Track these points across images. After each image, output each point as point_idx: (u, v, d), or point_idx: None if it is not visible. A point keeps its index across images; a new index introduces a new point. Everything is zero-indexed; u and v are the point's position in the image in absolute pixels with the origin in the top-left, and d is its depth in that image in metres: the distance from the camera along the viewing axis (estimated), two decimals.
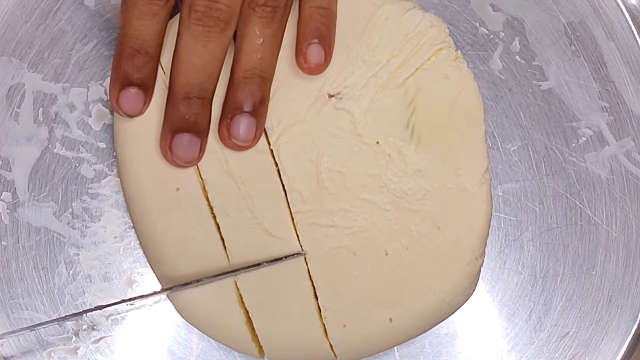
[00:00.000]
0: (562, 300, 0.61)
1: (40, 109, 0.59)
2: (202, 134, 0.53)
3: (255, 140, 0.53)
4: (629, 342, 0.61)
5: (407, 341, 0.57)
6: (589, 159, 0.62)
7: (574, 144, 0.62)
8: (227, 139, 0.53)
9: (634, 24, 0.62)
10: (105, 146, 0.59)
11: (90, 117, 0.60)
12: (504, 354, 0.60)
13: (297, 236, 0.55)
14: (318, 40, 0.53)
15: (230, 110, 0.53)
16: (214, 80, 0.53)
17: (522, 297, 0.61)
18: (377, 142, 0.55)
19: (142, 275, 0.59)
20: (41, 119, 0.59)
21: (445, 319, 0.57)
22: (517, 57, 0.62)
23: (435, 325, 0.57)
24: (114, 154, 0.58)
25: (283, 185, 0.55)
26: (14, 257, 0.58)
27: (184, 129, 0.53)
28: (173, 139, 0.53)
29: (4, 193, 0.59)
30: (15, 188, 0.59)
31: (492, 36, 0.62)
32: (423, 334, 0.58)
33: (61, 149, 0.59)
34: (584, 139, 0.62)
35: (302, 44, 0.54)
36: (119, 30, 0.53)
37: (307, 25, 0.54)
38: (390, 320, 0.55)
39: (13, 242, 0.59)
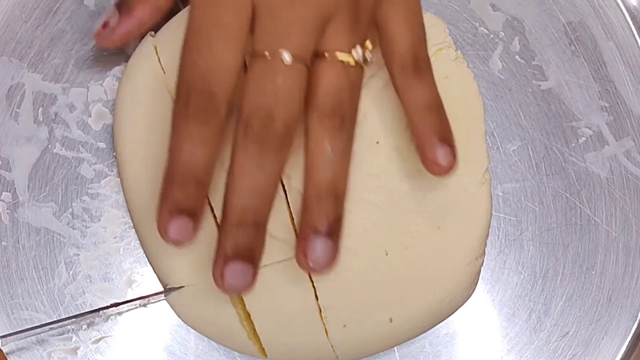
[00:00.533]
0: (562, 300, 0.61)
1: (40, 109, 0.59)
2: (256, 260, 0.49)
3: (333, 263, 0.50)
4: (629, 342, 0.61)
5: (407, 341, 0.57)
6: (589, 158, 0.62)
7: (573, 144, 0.62)
8: (305, 263, 0.49)
9: (633, 24, 0.63)
10: (105, 146, 0.59)
11: (90, 117, 0.60)
12: (504, 354, 0.60)
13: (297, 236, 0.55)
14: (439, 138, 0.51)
15: (305, 232, 0.49)
16: (270, 202, 0.49)
17: (522, 297, 0.61)
18: (377, 142, 0.55)
19: (142, 275, 0.59)
20: (41, 119, 0.59)
21: (445, 318, 0.57)
22: (517, 57, 0.62)
23: (435, 325, 0.57)
24: (114, 154, 0.58)
25: (283, 185, 0.55)
26: (14, 257, 0.58)
27: (237, 258, 0.48)
28: (226, 267, 0.48)
29: (3, 193, 0.59)
30: (15, 188, 0.59)
31: (491, 36, 0.62)
32: (423, 334, 0.58)
33: (61, 149, 0.59)
34: (584, 138, 0.62)
35: (425, 146, 0.51)
36: (168, 152, 0.48)
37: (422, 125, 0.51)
38: (390, 320, 0.55)
39: (13, 242, 0.59)
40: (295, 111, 0.48)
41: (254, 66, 0.48)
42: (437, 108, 0.51)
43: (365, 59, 0.50)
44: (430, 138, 0.51)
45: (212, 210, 0.55)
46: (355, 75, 0.50)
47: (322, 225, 0.49)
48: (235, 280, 0.48)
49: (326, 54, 0.49)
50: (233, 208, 0.48)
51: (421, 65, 0.51)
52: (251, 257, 0.49)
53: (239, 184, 0.48)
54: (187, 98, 0.47)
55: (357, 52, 0.50)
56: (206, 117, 0.47)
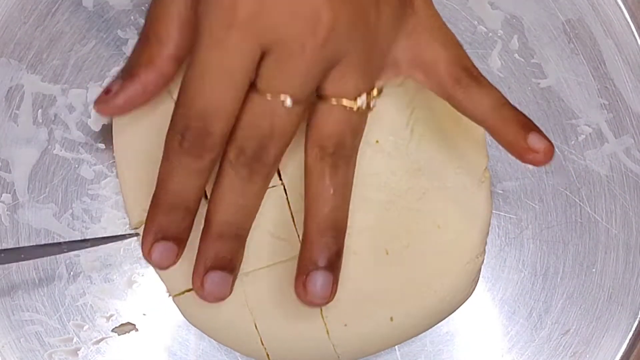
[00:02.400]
0: (562, 297, 0.61)
1: (40, 110, 0.59)
2: (235, 270, 0.51)
3: (332, 296, 0.50)
4: (630, 339, 0.61)
5: (408, 340, 0.57)
6: (589, 156, 0.62)
7: (573, 142, 0.62)
8: (304, 296, 0.50)
9: (632, 22, 0.62)
10: (104, 147, 0.59)
11: (90, 118, 0.60)
12: (505, 352, 0.60)
13: (298, 236, 0.55)
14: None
15: (305, 266, 0.50)
16: (252, 219, 0.50)
17: (522, 295, 0.61)
18: (377, 141, 0.55)
19: (142, 276, 0.59)
20: (40, 120, 0.59)
21: (446, 317, 0.57)
22: (516, 55, 0.62)
23: (436, 324, 0.57)
24: (114, 154, 0.58)
25: (284, 185, 0.55)
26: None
27: (217, 267, 0.50)
28: (205, 276, 0.50)
29: (3, 195, 0.59)
30: (15, 190, 0.59)
31: (490, 34, 0.62)
32: (424, 333, 0.58)
33: (61, 150, 0.59)
34: (583, 136, 0.62)
35: (516, 141, 0.50)
36: (158, 178, 0.49)
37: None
38: (391, 319, 0.55)
39: (13, 243, 0.59)
40: (286, 145, 0.49)
41: (254, 101, 0.48)
42: (507, 104, 0.50)
43: (369, 106, 0.50)
44: (515, 131, 0.49)
45: None
46: (358, 119, 0.50)
47: (323, 261, 0.50)
48: (214, 289, 0.50)
49: (331, 99, 0.49)
50: (217, 222, 0.49)
51: (473, 72, 0.51)
52: (231, 267, 0.50)
53: (225, 200, 0.49)
54: (184, 134, 0.48)
55: (362, 99, 0.49)
56: (201, 153, 0.48)
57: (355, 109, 0.49)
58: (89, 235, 0.59)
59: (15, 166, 0.59)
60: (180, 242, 0.50)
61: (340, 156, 0.50)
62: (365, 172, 0.55)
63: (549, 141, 0.49)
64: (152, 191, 0.54)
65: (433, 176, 0.55)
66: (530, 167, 0.61)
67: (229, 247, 0.50)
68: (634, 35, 0.62)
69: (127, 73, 0.51)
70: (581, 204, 0.61)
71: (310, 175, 0.50)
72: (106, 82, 0.60)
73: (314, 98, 0.49)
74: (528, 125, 0.49)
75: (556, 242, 0.61)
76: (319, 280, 0.50)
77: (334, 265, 0.50)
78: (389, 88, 0.55)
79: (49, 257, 0.58)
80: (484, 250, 0.57)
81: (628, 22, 0.62)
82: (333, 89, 0.49)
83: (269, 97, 0.47)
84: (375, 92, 0.51)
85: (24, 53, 0.60)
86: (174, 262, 0.51)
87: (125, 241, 0.59)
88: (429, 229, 0.55)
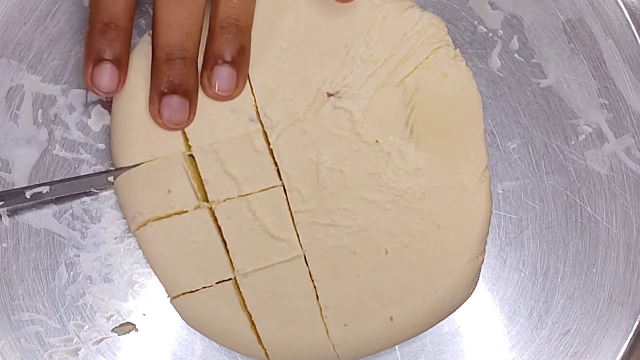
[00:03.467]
0: (563, 297, 0.61)
1: (40, 111, 0.59)
2: (189, 94, 0.53)
3: (237, 89, 0.54)
4: (630, 339, 0.61)
5: (408, 340, 0.57)
6: (589, 156, 0.61)
7: (573, 142, 0.62)
8: (209, 89, 0.53)
9: (632, 21, 0.62)
10: (104, 147, 0.59)
11: (90, 118, 0.60)
12: (505, 352, 0.60)
13: (298, 236, 0.55)
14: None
15: (209, 61, 0.53)
16: (193, 39, 0.53)
17: (522, 295, 0.61)
18: (377, 141, 0.55)
19: (142, 276, 0.59)
20: (40, 121, 0.59)
21: (446, 317, 0.57)
22: (516, 55, 0.62)
23: (436, 324, 0.57)
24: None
25: (283, 186, 0.55)
26: (15, 258, 0.59)
27: (170, 91, 0.53)
28: (161, 102, 0.53)
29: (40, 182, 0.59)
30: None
31: (490, 34, 0.62)
32: (424, 333, 0.58)
33: (61, 151, 0.59)
34: (584, 136, 0.62)
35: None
36: (89, 6, 0.53)
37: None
38: (391, 319, 0.55)
39: (13, 243, 0.59)
40: None
41: None
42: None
43: None
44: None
45: (214, 215, 0.55)
46: None
47: (226, 55, 0.53)
48: (172, 114, 0.53)
49: None
50: (159, 45, 0.52)
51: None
52: (184, 90, 0.53)
53: (162, 22, 0.52)
54: None
55: None
56: None
57: None
58: (88, 236, 0.59)
59: (15, 166, 0.59)
60: (119, 63, 0.53)
61: None
62: (365, 172, 0.55)
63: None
64: (151, 194, 0.54)
65: (433, 176, 0.55)
66: (531, 167, 0.61)
67: (177, 70, 0.52)
68: (633, 35, 0.62)
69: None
70: (581, 203, 0.61)
71: None
72: None
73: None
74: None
75: (556, 242, 0.61)
76: (222, 74, 0.53)
77: (237, 61, 0.53)
78: (388, 88, 0.55)
79: (49, 258, 0.59)
80: (484, 250, 0.57)
81: (628, 22, 0.62)
82: None
83: None
84: None
85: (24, 53, 0.60)
86: (116, 86, 0.53)
87: (125, 241, 0.59)
88: (429, 229, 0.55)
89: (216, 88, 0.53)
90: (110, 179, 0.56)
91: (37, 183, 0.57)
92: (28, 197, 0.55)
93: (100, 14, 0.52)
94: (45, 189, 0.55)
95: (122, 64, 0.53)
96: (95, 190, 0.58)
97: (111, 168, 0.57)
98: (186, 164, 0.55)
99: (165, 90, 0.53)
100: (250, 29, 0.54)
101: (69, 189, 0.56)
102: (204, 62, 0.53)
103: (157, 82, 0.53)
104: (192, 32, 0.53)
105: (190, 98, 0.53)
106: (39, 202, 0.58)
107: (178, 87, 0.53)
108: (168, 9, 0.52)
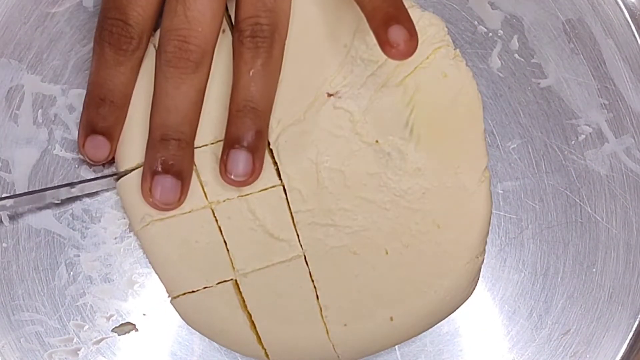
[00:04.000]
0: (562, 297, 0.61)
1: (40, 111, 0.59)
2: (182, 175, 0.53)
3: (253, 175, 0.53)
4: (630, 339, 0.61)
5: (408, 340, 0.57)
6: (589, 156, 0.61)
7: (573, 142, 0.62)
8: (225, 174, 0.53)
9: (632, 21, 0.62)
10: None
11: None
12: (505, 352, 0.60)
13: (298, 236, 0.55)
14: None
15: (226, 146, 0.53)
16: (190, 122, 0.53)
17: (522, 295, 0.61)
18: (377, 141, 0.55)
19: (143, 276, 0.59)
20: (40, 121, 0.59)
21: (446, 317, 0.57)
22: (516, 55, 0.62)
23: (436, 324, 0.57)
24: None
25: (283, 186, 0.55)
26: (14, 258, 0.58)
27: (162, 171, 0.53)
28: (153, 181, 0.53)
29: (3, 195, 0.59)
30: (15, 190, 0.59)
31: (490, 34, 0.62)
32: (424, 333, 0.58)
33: (61, 151, 0.59)
34: (584, 136, 0.62)
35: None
36: (89, 76, 0.54)
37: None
38: (391, 319, 0.55)
39: (13, 243, 0.59)
40: (207, 33, 0.52)
41: None
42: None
43: None
44: (381, 21, 0.50)
45: (215, 217, 0.55)
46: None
47: (242, 140, 0.52)
48: (163, 194, 0.53)
49: None
50: (155, 125, 0.52)
51: None
52: (178, 172, 0.53)
53: (158, 104, 0.52)
54: (103, 24, 0.52)
55: None
56: (119, 43, 0.52)
57: None
58: (88, 236, 0.59)
59: (15, 166, 0.59)
60: (110, 136, 0.54)
61: (259, 37, 0.52)
62: (365, 172, 0.55)
63: (412, 36, 0.49)
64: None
65: (432, 176, 0.55)
66: (530, 167, 0.61)
67: (171, 151, 0.52)
68: (634, 35, 0.62)
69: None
70: (581, 204, 0.61)
71: (233, 60, 0.53)
72: None
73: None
74: (395, 18, 0.49)
75: (556, 242, 0.61)
76: (237, 159, 0.52)
77: (254, 146, 0.52)
78: (388, 87, 0.55)
79: (49, 257, 0.59)
80: (484, 250, 0.57)
81: (628, 22, 0.62)
82: None
83: None
84: None
85: (24, 53, 0.60)
86: (106, 156, 0.54)
87: (126, 241, 0.59)
88: (429, 229, 0.55)
89: (232, 174, 0.53)
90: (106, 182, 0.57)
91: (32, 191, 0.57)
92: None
93: (96, 87, 0.53)
94: (9, 202, 0.56)
95: (113, 137, 0.54)
96: (56, 201, 0.58)
97: (75, 180, 0.58)
98: (194, 164, 0.55)
99: (159, 170, 0.53)
100: (270, 114, 0.53)
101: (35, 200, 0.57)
102: (223, 148, 0.53)
103: (151, 160, 0.53)
104: (188, 114, 0.53)
105: (182, 180, 0.53)
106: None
107: (171, 167, 0.52)
108: (166, 91, 0.52)
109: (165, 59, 0.52)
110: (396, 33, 0.49)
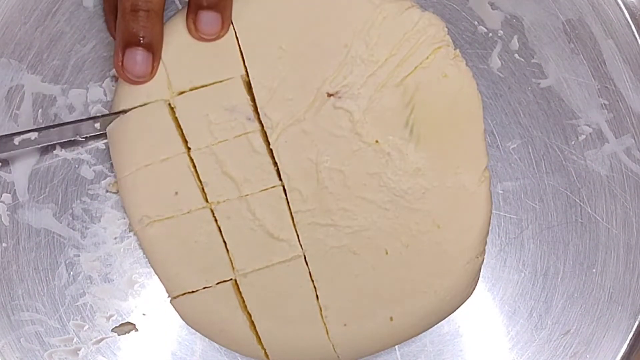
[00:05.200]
0: (562, 298, 0.61)
1: (40, 110, 0.59)
2: (153, 48, 0.54)
3: (222, 31, 0.54)
4: (630, 340, 0.61)
5: (408, 340, 0.57)
6: (589, 156, 0.61)
7: (573, 142, 0.62)
8: (194, 32, 0.54)
9: (632, 22, 0.62)
10: (104, 147, 0.59)
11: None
12: (505, 352, 0.60)
13: (297, 236, 0.55)
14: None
15: (193, 6, 0.54)
16: None
17: (522, 295, 0.61)
18: (377, 141, 0.55)
19: (143, 276, 0.59)
20: (40, 121, 0.59)
21: (446, 317, 0.57)
22: (516, 55, 0.62)
23: (436, 324, 0.57)
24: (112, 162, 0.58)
25: (283, 186, 0.55)
26: (15, 258, 0.59)
27: (133, 44, 0.53)
28: (124, 55, 0.53)
29: (4, 195, 0.59)
30: (15, 190, 0.59)
31: (490, 34, 0.62)
32: (424, 333, 0.58)
33: (61, 150, 0.59)
34: (584, 136, 0.62)
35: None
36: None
37: None
38: (391, 319, 0.55)
39: (13, 243, 0.59)
40: None
41: None
42: None
43: None
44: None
45: (214, 217, 0.55)
46: None
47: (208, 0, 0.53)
48: (134, 67, 0.53)
49: None
50: None
51: None
52: (147, 44, 0.53)
53: None
54: None
55: None
56: None
57: None
58: (88, 236, 0.59)
59: (15, 166, 0.59)
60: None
61: None
62: (365, 172, 0.55)
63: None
64: (151, 194, 0.54)
65: (432, 176, 0.55)
66: (531, 167, 0.61)
67: (141, 23, 0.52)
68: (634, 35, 0.62)
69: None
70: (581, 204, 0.61)
71: None
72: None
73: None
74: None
75: (556, 242, 0.61)
76: (207, 18, 0.53)
77: (220, 5, 0.54)
78: (388, 88, 0.55)
79: (49, 257, 0.59)
80: (484, 250, 0.57)
81: (628, 22, 0.62)
82: None
83: None
84: None
85: (24, 53, 0.60)
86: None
87: (125, 241, 0.59)
88: (429, 229, 0.55)
89: (202, 32, 0.54)
90: (97, 125, 0.56)
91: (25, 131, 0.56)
92: (17, 144, 0.55)
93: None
94: (34, 135, 0.55)
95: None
96: (81, 139, 0.58)
97: (98, 114, 0.58)
98: (191, 165, 0.55)
99: (129, 43, 0.53)
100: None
101: (57, 136, 0.56)
102: (188, 6, 0.54)
103: (121, 34, 0.53)
104: None
105: (153, 52, 0.54)
106: (27, 149, 0.57)
107: (141, 39, 0.53)
108: None
109: None
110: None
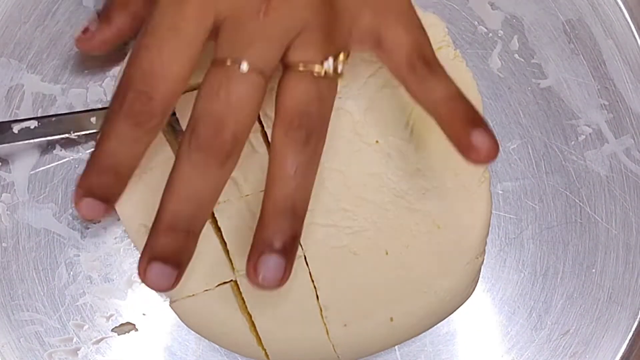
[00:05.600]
0: (562, 298, 0.61)
1: (40, 110, 0.59)
2: (181, 267, 0.47)
3: (283, 280, 0.47)
4: (630, 340, 0.61)
5: (408, 340, 0.57)
6: (589, 156, 0.62)
7: (573, 142, 0.62)
8: (254, 278, 0.47)
9: (632, 22, 0.62)
10: None
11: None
12: (505, 352, 0.60)
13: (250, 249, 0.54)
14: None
15: (258, 247, 0.47)
16: (205, 214, 0.47)
17: (522, 296, 0.61)
18: (377, 141, 0.55)
19: None
20: None
21: (445, 317, 0.57)
22: (516, 55, 0.62)
23: (436, 324, 0.57)
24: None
25: None
26: (14, 258, 0.58)
27: (161, 259, 0.46)
28: (149, 266, 0.47)
29: (3, 194, 0.59)
30: (15, 189, 0.59)
31: (490, 34, 0.62)
32: (424, 333, 0.58)
33: (61, 150, 0.59)
34: (584, 136, 0.62)
35: (459, 136, 0.48)
36: (97, 139, 0.47)
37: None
38: (391, 319, 0.55)
39: (13, 243, 0.59)
40: (246, 123, 0.46)
41: (211, 73, 0.46)
42: (459, 97, 0.48)
43: (336, 70, 0.47)
44: (460, 126, 0.47)
45: (217, 224, 0.54)
46: (326, 87, 0.47)
47: (277, 243, 0.47)
48: (157, 280, 0.47)
49: (296, 65, 0.46)
50: (167, 212, 0.46)
51: (430, 61, 0.48)
52: (177, 262, 0.47)
53: (177, 190, 0.46)
54: (125, 95, 0.45)
55: (329, 63, 0.47)
56: (139, 119, 0.45)
57: (322, 73, 0.46)
58: (88, 236, 0.59)
59: (15, 166, 0.59)
60: (107, 202, 0.47)
61: (305, 131, 0.46)
62: (365, 172, 0.55)
63: (494, 140, 0.47)
64: (146, 199, 0.54)
65: (433, 176, 0.55)
66: (530, 167, 0.61)
67: (177, 242, 0.46)
68: (634, 35, 0.62)
69: (104, 16, 0.55)
70: (581, 204, 0.61)
71: (273, 150, 0.47)
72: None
73: (279, 73, 0.47)
74: (475, 122, 0.47)
75: (556, 242, 0.61)
76: (270, 263, 0.46)
77: (288, 250, 0.47)
78: (388, 88, 0.55)
79: (49, 257, 0.59)
80: (484, 250, 0.57)
81: (628, 22, 0.62)
82: (296, 55, 0.46)
83: (226, 62, 0.45)
84: (342, 56, 0.48)
85: (24, 53, 0.60)
86: (101, 216, 0.47)
87: (125, 241, 0.59)
88: (429, 229, 0.55)
89: (260, 279, 0.47)
90: (93, 120, 0.56)
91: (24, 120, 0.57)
92: (16, 132, 0.55)
93: (103, 156, 0.46)
94: (33, 124, 0.55)
95: (110, 204, 0.47)
96: (80, 139, 0.58)
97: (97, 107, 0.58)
98: None
99: (158, 257, 0.46)
100: (305, 215, 0.48)
101: (56, 128, 0.55)
102: (252, 245, 0.47)
103: (152, 244, 0.47)
104: (206, 207, 0.47)
105: (180, 270, 0.47)
106: (27, 148, 0.57)
107: (172, 257, 0.47)
108: (189, 178, 0.46)
109: (195, 143, 0.45)
110: (479, 137, 0.47)
